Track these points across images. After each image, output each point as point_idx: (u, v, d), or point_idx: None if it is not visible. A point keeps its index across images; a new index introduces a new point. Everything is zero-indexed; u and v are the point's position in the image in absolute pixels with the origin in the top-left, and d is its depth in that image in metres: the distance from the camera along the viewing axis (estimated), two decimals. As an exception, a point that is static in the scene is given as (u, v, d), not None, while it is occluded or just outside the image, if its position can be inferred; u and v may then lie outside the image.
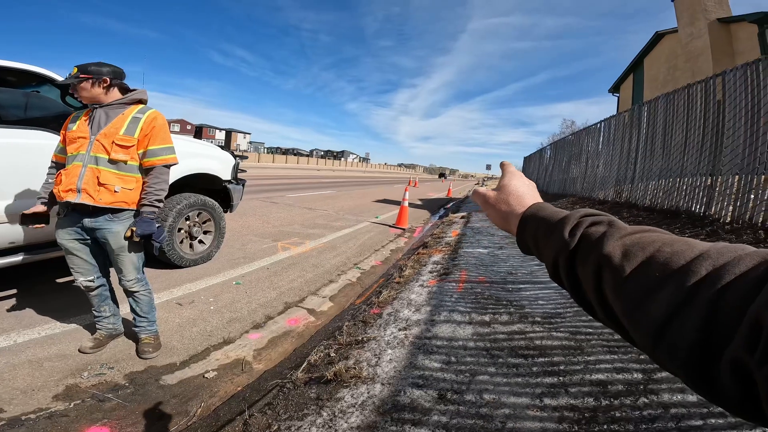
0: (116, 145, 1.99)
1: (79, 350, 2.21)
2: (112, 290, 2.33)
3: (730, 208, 4.00)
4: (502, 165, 0.62)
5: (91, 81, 2.00)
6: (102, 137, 1.99)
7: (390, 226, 7.50)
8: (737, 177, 3.94)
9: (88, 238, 2.10)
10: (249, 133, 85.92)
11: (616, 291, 0.36)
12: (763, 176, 3.52)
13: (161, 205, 2.12)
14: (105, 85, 2.03)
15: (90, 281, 2.16)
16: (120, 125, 2.01)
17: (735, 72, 4.11)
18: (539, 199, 0.53)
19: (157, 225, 2.09)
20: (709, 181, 4.38)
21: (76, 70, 2.00)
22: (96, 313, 2.27)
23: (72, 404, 1.80)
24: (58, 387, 1.91)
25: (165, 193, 2.13)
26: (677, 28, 12.96)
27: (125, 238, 2.05)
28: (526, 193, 0.53)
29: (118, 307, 2.38)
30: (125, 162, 2.02)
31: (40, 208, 2.11)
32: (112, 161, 1.99)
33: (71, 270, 2.16)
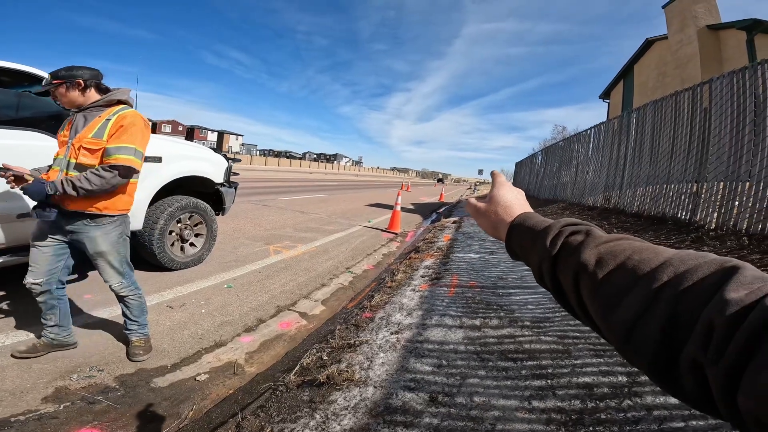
0: (83, 148, 1.92)
1: (11, 355, 2.10)
2: (64, 302, 2.20)
3: (715, 214, 4.09)
4: (492, 175, 0.65)
5: (64, 85, 1.94)
6: (76, 141, 1.94)
7: (382, 230, 7.53)
8: (722, 184, 4.03)
9: (66, 240, 2.05)
10: (241, 135, 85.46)
11: (591, 295, 0.39)
12: (747, 183, 3.61)
13: (72, 192, 1.86)
14: (79, 87, 1.96)
15: (36, 284, 2.04)
16: (92, 128, 1.94)
17: (722, 80, 4.20)
18: (527, 208, 0.56)
19: (47, 193, 1.84)
20: (695, 188, 4.48)
21: (49, 77, 1.96)
22: (42, 319, 2.15)
23: (61, 406, 1.79)
24: (48, 389, 1.90)
25: (90, 190, 1.88)
26: (667, 35, 13.09)
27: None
28: (513, 203, 0.57)
29: (69, 321, 2.24)
30: (93, 166, 1.93)
31: (26, 171, 1.95)
32: (78, 166, 1.92)
33: (29, 266, 2.06)
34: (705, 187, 4.29)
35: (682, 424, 1.46)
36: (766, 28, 9.90)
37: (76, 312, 2.70)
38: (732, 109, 3.96)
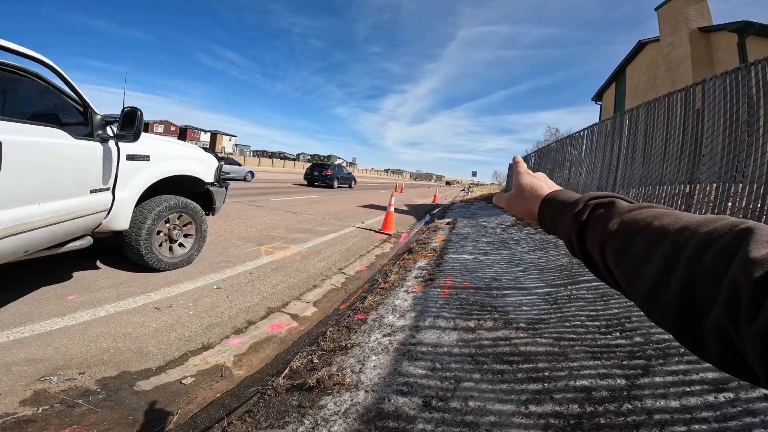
0: None
1: None
2: None
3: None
4: (514, 162, 0.68)
5: None
6: None
7: (376, 231, 7.47)
8: (715, 185, 4.04)
9: None
10: (235, 136, 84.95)
11: (616, 262, 0.41)
12: (740, 184, 3.61)
13: None
14: None
15: None
16: None
17: (714, 81, 4.20)
18: (554, 186, 0.60)
19: None
20: (688, 189, 4.48)
21: None
22: None
23: (40, 409, 1.71)
24: (26, 392, 1.81)
25: None
26: (659, 37, 13.15)
27: None
28: (539, 186, 0.60)
29: None
30: None
31: None
32: None
33: None
34: (698, 188, 4.29)
35: (684, 428, 1.42)
36: (757, 30, 9.99)
37: (59, 313, 2.61)
38: (725, 110, 3.96)
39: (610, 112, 16.71)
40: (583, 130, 9.27)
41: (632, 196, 5.87)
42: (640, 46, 15.35)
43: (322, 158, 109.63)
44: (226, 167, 16.53)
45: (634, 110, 6.24)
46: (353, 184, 24.90)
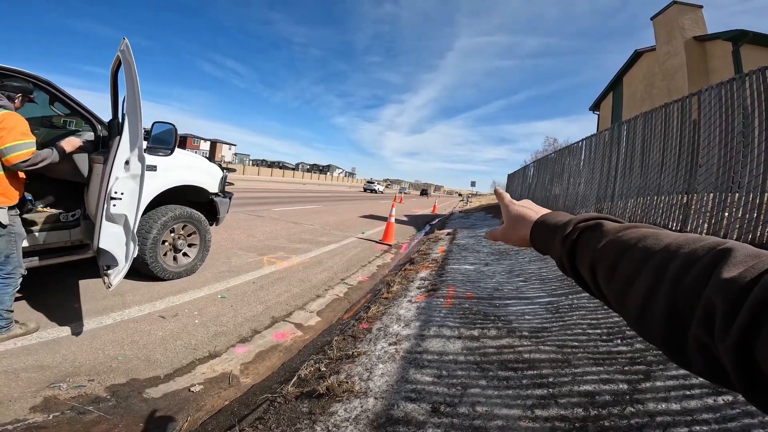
0: None
1: None
2: None
3: (705, 225, 4.13)
4: (497, 194, 0.71)
5: None
6: None
7: (376, 241, 7.51)
8: (712, 195, 4.08)
9: None
10: (234, 144, 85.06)
11: (606, 283, 0.43)
12: (736, 194, 3.67)
13: None
14: None
15: None
16: None
17: (710, 91, 4.25)
18: (542, 211, 0.61)
19: None
20: (685, 199, 4.53)
21: None
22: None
23: (51, 416, 1.73)
24: (36, 398, 1.83)
25: None
26: (655, 47, 13.23)
27: None
28: (526, 213, 0.62)
29: None
30: None
31: None
32: None
33: None
34: (695, 198, 4.35)
35: (685, 430, 1.46)
36: (751, 38, 10.08)
37: (65, 321, 2.63)
38: (720, 120, 4.02)
39: (607, 122, 16.79)
40: (582, 140, 9.37)
41: (630, 206, 5.93)
42: (637, 56, 15.43)
43: (321, 167, 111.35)
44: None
45: (631, 121, 6.33)
46: (382, 191, 46.95)
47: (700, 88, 4.45)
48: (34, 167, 2.27)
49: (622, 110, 16.02)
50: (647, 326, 0.36)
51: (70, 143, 2.61)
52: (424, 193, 75.36)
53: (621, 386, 1.83)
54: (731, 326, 0.27)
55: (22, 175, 2.35)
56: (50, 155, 2.37)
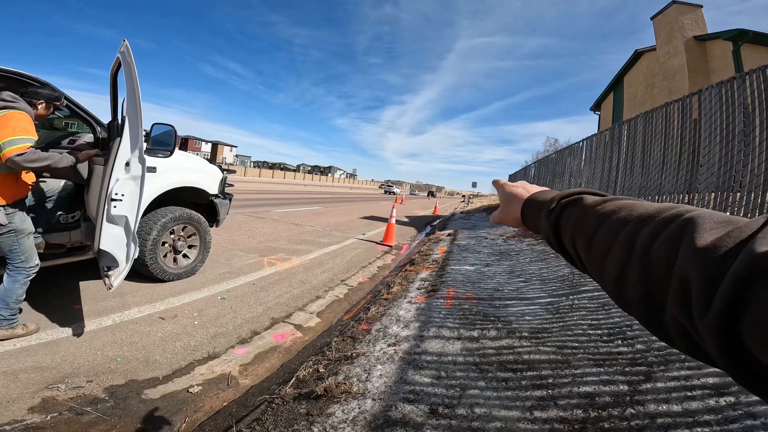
0: None
1: None
2: None
3: (707, 225, 4.12)
4: (494, 183, 0.72)
5: None
6: None
7: (377, 243, 7.50)
8: (713, 194, 4.07)
9: None
10: (236, 146, 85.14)
11: (586, 257, 0.42)
12: (738, 193, 3.66)
13: None
14: None
15: None
16: None
17: (710, 90, 4.25)
18: (533, 189, 0.62)
19: None
20: (687, 198, 4.52)
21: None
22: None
23: (49, 417, 1.72)
24: (34, 399, 1.83)
25: None
26: (656, 47, 13.18)
27: None
28: (518, 192, 0.63)
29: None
30: None
31: None
32: None
33: None
34: (696, 197, 4.33)
35: (687, 431, 1.45)
36: (751, 38, 10.05)
37: (65, 322, 2.63)
38: (721, 119, 4.01)
39: (608, 122, 16.76)
40: (583, 140, 9.35)
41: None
42: (637, 56, 15.39)
43: (322, 169, 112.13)
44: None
45: (632, 120, 6.32)
46: (398, 192, 47.98)
47: (701, 88, 4.44)
48: (34, 165, 2.26)
49: (622, 110, 15.97)
50: (625, 301, 0.35)
51: (86, 154, 2.67)
52: (431, 194, 79.91)
53: (621, 387, 1.81)
54: (711, 303, 0.25)
55: (26, 178, 2.37)
56: (53, 158, 2.35)
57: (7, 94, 2.29)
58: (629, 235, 0.36)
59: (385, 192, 55.05)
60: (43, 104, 2.50)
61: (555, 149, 20.05)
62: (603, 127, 16.96)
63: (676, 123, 4.89)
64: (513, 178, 21.46)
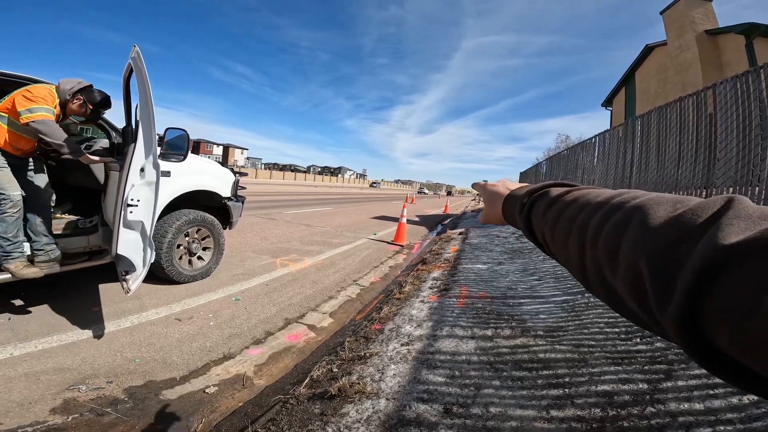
0: None
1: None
2: None
3: (726, 220, 4.04)
4: (474, 186, 0.74)
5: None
6: None
7: (388, 242, 7.50)
8: (731, 189, 3.98)
9: None
10: (246, 149, 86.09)
11: (553, 247, 0.43)
12: (757, 188, 3.57)
13: None
14: None
15: None
16: None
17: (725, 84, 4.17)
18: (513, 186, 0.62)
19: None
20: (704, 193, 4.43)
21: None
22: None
23: (70, 418, 1.76)
24: (56, 400, 1.87)
25: None
26: (666, 41, 13.14)
27: None
28: (499, 190, 0.63)
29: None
30: None
31: None
32: None
33: None
34: (714, 192, 4.25)
35: (709, 430, 1.41)
36: (763, 31, 9.93)
37: (84, 324, 2.69)
38: (737, 113, 3.93)
39: (621, 117, 16.58)
40: (595, 136, 9.23)
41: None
42: (648, 50, 15.30)
43: (332, 170, 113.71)
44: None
45: (645, 116, 6.22)
46: (428, 193, 70.46)
47: (715, 82, 4.36)
48: (42, 136, 2.47)
49: (635, 105, 15.84)
50: (591, 289, 0.34)
51: (89, 158, 2.80)
52: (449, 193, 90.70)
53: (641, 386, 1.78)
54: (670, 295, 0.24)
55: (24, 144, 2.58)
56: (66, 144, 2.56)
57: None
58: (581, 224, 0.35)
59: (418, 192, 73.87)
60: (80, 101, 2.69)
61: (566, 146, 19.83)
62: (615, 122, 16.77)
63: (691, 117, 4.80)
64: (524, 175, 21.24)
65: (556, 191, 0.46)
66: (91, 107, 2.71)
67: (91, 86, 2.74)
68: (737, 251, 0.22)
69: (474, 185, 0.73)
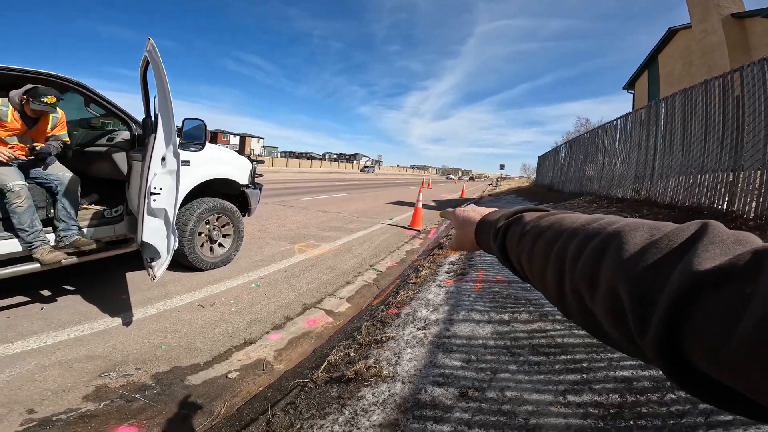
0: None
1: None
2: None
3: (754, 203, 3.88)
4: (443, 214, 0.75)
5: None
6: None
7: (404, 227, 7.51)
8: (759, 172, 3.83)
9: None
10: (263, 138, 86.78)
11: (530, 274, 0.42)
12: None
13: None
14: None
15: None
16: None
17: (752, 67, 4.02)
18: (485, 212, 0.61)
19: None
20: (731, 177, 4.26)
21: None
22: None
23: (102, 404, 1.85)
24: (88, 387, 1.97)
25: None
26: (690, 24, 12.80)
27: None
28: (470, 216, 0.63)
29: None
30: None
31: None
32: None
33: None
34: (742, 176, 4.09)
35: (729, 417, 1.39)
36: None
37: (114, 312, 2.80)
38: (765, 96, 3.78)
39: (643, 100, 16.16)
40: (616, 119, 8.93)
41: (672, 185, 5.63)
42: (671, 34, 14.98)
43: (347, 157, 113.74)
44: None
45: (669, 98, 5.99)
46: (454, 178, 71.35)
47: (742, 65, 4.17)
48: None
49: (658, 88, 15.53)
50: (573, 318, 0.34)
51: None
52: (471, 179, 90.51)
53: (661, 372, 1.75)
54: (649, 320, 0.25)
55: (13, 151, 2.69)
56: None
57: (55, 92, 2.72)
58: (559, 250, 0.35)
59: (446, 178, 73.19)
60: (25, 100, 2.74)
61: (586, 129, 19.30)
62: (638, 105, 16.32)
63: (717, 100, 4.62)
64: (543, 159, 20.79)
65: (529, 216, 0.46)
66: (32, 99, 2.69)
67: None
68: (712, 277, 0.23)
69: (442, 213, 0.73)
